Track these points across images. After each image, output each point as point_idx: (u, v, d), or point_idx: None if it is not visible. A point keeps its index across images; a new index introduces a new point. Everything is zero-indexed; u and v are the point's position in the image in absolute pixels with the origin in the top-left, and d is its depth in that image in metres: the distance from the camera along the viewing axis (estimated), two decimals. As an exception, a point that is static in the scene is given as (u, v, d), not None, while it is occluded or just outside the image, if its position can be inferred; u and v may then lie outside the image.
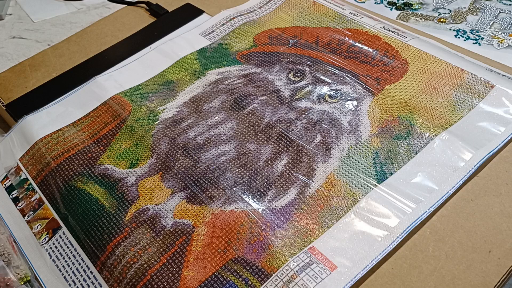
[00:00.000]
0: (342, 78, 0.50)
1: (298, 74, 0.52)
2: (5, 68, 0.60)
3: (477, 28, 0.61)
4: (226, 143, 0.45)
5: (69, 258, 0.40)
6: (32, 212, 0.44)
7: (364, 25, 0.57)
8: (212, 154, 0.45)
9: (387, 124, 0.45)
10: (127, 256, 0.38)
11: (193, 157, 0.44)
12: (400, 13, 0.65)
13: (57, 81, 0.57)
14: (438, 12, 0.64)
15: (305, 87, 0.50)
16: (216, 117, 0.48)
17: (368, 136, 0.44)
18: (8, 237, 0.43)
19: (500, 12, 0.63)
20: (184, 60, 0.56)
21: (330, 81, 0.50)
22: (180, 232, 0.39)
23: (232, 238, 0.38)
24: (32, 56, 0.62)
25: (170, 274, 0.36)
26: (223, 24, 0.61)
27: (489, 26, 0.61)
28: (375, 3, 0.67)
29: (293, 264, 0.35)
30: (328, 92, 0.49)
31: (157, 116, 0.49)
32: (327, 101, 0.48)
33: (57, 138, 0.49)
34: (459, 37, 0.60)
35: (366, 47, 0.54)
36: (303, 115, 0.47)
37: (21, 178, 0.47)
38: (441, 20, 0.63)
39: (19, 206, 0.46)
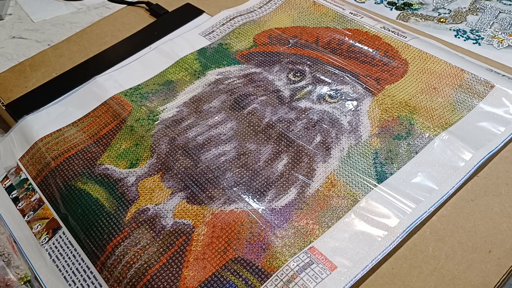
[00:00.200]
0: (342, 78, 0.50)
1: (298, 74, 0.52)
2: (5, 68, 0.60)
3: (477, 28, 0.61)
4: (226, 143, 0.45)
5: (69, 258, 0.40)
6: (32, 212, 0.44)
7: (364, 25, 0.57)
8: (212, 154, 0.45)
9: (387, 124, 0.45)
10: (127, 256, 0.38)
11: (193, 157, 0.44)
12: (400, 13, 0.65)
13: (57, 81, 0.57)
14: (438, 12, 0.64)
15: (305, 87, 0.50)
16: (216, 117, 0.48)
17: (368, 136, 0.44)
18: (8, 237, 0.43)
19: (500, 12, 0.63)
20: (184, 60, 0.56)
21: (330, 81, 0.50)
22: (180, 232, 0.39)
23: (232, 238, 0.38)
24: (32, 56, 0.62)
25: (170, 274, 0.36)
26: (223, 24, 0.61)
27: (489, 26, 0.61)
28: (375, 3, 0.67)
29: (293, 264, 0.35)
30: (328, 92, 0.49)
31: (157, 116, 0.49)
32: (327, 101, 0.48)
33: (57, 138, 0.49)
34: (459, 37, 0.60)
35: (366, 47, 0.54)
36: (303, 115, 0.47)
37: (21, 178, 0.47)
38: (441, 20, 0.63)
39: (19, 206, 0.46)
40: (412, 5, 0.66)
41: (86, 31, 0.65)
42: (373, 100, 0.48)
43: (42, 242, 0.42)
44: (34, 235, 0.43)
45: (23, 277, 0.40)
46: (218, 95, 0.51)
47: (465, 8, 0.65)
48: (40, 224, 0.43)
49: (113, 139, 0.48)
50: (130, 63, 0.57)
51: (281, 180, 0.42)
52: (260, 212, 0.39)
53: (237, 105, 0.49)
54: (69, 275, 0.39)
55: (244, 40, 0.58)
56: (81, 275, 0.39)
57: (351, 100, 0.48)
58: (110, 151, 0.47)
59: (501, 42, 0.58)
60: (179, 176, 0.43)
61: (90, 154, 0.47)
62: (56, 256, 0.41)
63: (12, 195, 0.47)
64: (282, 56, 0.54)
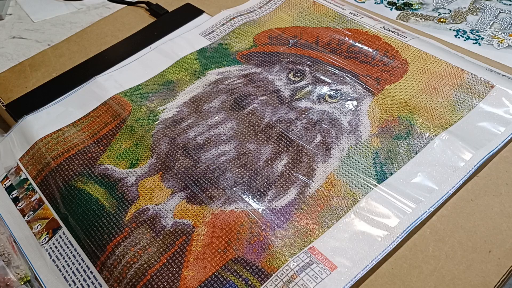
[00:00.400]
0: (342, 78, 0.50)
1: (298, 74, 0.52)
2: (5, 68, 0.60)
3: (477, 28, 0.61)
4: (226, 143, 0.45)
5: (69, 258, 0.40)
6: (32, 212, 0.44)
7: (364, 25, 0.57)
8: (212, 154, 0.45)
9: (387, 124, 0.45)
10: (127, 256, 0.38)
11: (193, 157, 0.44)
12: (400, 13, 0.65)
13: (57, 81, 0.57)
14: (438, 12, 0.64)
15: (305, 87, 0.50)
16: (216, 117, 0.48)
17: (368, 136, 0.44)
18: (8, 237, 0.43)
19: (500, 12, 0.63)
20: (184, 60, 0.56)
21: (330, 81, 0.50)
22: (180, 232, 0.39)
23: (232, 238, 0.38)
24: (32, 56, 0.62)
25: (170, 274, 0.36)
26: (223, 24, 0.61)
27: (489, 26, 0.61)
28: (375, 3, 0.67)
29: (293, 264, 0.35)
30: (328, 92, 0.49)
31: (157, 116, 0.49)
32: (327, 101, 0.48)
33: (57, 138, 0.49)
34: (459, 37, 0.60)
35: (366, 47, 0.54)
36: (303, 115, 0.47)
37: (21, 178, 0.47)
38: (441, 20, 0.63)
39: (19, 206, 0.46)
40: (412, 5, 0.66)
41: (86, 31, 0.65)
42: (373, 100, 0.48)
43: (42, 242, 0.42)
44: (34, 235, 0.43)
45: (23, 277, 0.40)
46: (218, 95, 0.51)
47: (465, 8, 0.65)
48: (40, 224, 0.43)
49: (113, 139, 0.48)
50: (130, 63, 0.57)
51: (281, 180, 0.42)
52: (260, 212, 0.39)
53: (237, 105, 0.49)
54: (69, 275, 0.39)
55: (244, 40, 0.58)
56: (81, 275, 0.39)
57: (351, 100, 0.48)
58: (110, 151, 0.47)
59: (501, 42, 0.58)
60: (179, 176, 0.43)
61: (90, 154, 0.47)
62: (56, 256, 0.41)
63: (12, 195, 0.47)
64: (282, 56, 0.54)
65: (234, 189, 0.41)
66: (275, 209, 0.40)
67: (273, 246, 0.37)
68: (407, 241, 0.37)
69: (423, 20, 0.63)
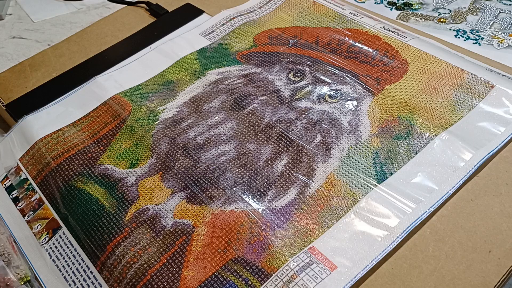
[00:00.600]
0: (342, 78, 0.50)
1: (298, 74, 0.52)
2: (5, 68, 0.60)
3: (477, 28, 0.61)
4: (226, 143, 0.45)
5: (69, 258, 0.40)
6: (32, 212, 0.44)
7: (364, 25, 0.57)
8: (212, 154, 0.45)
9: (387, 124, 0.45)
10: (127, 256, 0.38)
11: (193, 157, 0.44)
12: (400, 13, 0.65)
13: (57, 81, 0.57)
14: (438, 12, 0.64)
15: (305, 87, 0.50)
16: (216, 117, 0.48)
17: (368, 136, 0.44)
18: (8, 237, 0.43)
19: (500, 12, 0.63)
20: (184, 60, 0.56)
21: (330, 81, 0.50)
22: (180, 232, 0.39)
23: (232, 238, 0.38)
24: (32, 56, 0.62)
25: (170, 274, 0.36)
26: (223, 24, 0.61)
27: (489, 26, 0.61)
28: (375, 3, 0.67)
29: (293, 264, 0.35)
30: (328, 92, 0.49)
31: (157, 116, 0.49)
32: (327, 101, 0.48)
33: (57, 138, 0.49)
34: (459, 37, 0.60)
35: (366, 47, 0.54)
36: (303, 115, 0.47)
37: (21, 178, 0.47)
38: (441, 20, 0.63)
39: (19, 206, 0.46)
40: (412, 5, 0.66)
41: (86, 31, 0.65)
42: (373, 100, 0.48)
43: (42, 242, 0.42)
44: (34, 235, 0.43)
45: (23, 277, 0.40)
46: (218, 95, 0.51)
47: (465, 8, 0.65)
48: (40, 224, 0.43)
49: (113, 139, 0.48)
50: (130, 63, 0.57)
51: (281, 180, 0.42)
52: (260, 212, 0.39)
53: (237, 105, 0.49)
54: (69, 275, 0.39)
55: (244, 40, 0.58)
56: (81, 275, 0.39)
57: (351, 100, 0.48)
58: (110, 151, 0.47)
59: (501, 42, 0.58)
60: (179, 176, 0.43)
61: (90, 154, 0.47)
62: (56, 256, 0.41)
63: (12, 195, 0.47)
64: (282, 56, 0.54)
65: (234, 189, 0.41)
66: (275, 209, 0.40)
67: (273, 246, 0.37)
68: (407, 241, 0.37)
69: (423, 20, 0.63)
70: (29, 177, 0.47)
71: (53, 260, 0.41)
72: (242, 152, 0.44)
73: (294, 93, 0.50)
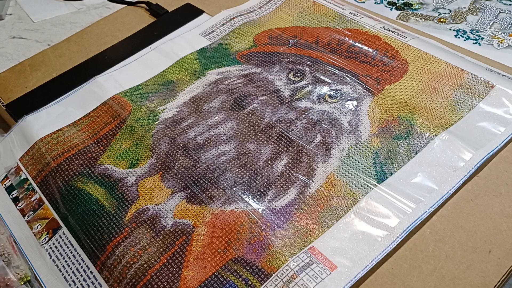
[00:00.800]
0: (342, 78, 0.50)
1: (298, 74, 0.52)
2: (5, 68, 0.60)
3: (477, 28, 0.61)
4: (226, 143, 0.45)
5: (69, 258, 0.40)
6: (32, 212, 0.44)
7: (364, 25, 0.57)
8: (212, 154, 0.45)
9: (387, 124, 0.45)
10: (127, 256, 0.38)
11: (193, 157, 0.44)
12: (400, 13, 0.65)
13: (57, 81, 0.57)
14: (438, 12, 0.64)
15: (305, 87, 0.50)
16: (216, 117, 0.48)
17: (368, 136, 0.44)
18: (8, 237, 0.43)
19: (500, 12, 0.63)
20: (184, 60, 0.56)
21: (330, 81, 0.50)
22: (180, 232, 0.39)
23: (232, 238, 0.38)
24: (32, 56, 0.62)
25: (170, 274, 0.36)
26: (223, 24, 0.61)
27: (489, 26, 0.61)
28: (375, 3, 0.67)
29: (293, 264, 0.35)
30: (328, 92, 0.49)
31: (157, 116, 0.49)
32: (327, 101, 0.48)
33: (57, 138, 0.49)
34: (459, 37, 0.60)
35: (366, 47, 0.54)
36: (303, 115, 0.47)
37: (21, 178, 0.47)
38: (441, 20, 0.63)
39: (19, 206, 0.46)
40: (412, 5, 0.66)
41: (86, 31, 0.65)
42: (373, 100, 0.48)
43: (42, 242, 0.42)
44: (34, 235, 0.43)
45: (23, 277, 0.40)
46: (218, 95, 0.51)
47: (465, 8, 0.65)
48: (40, 224, 0.43)
49: (113, 139, 0.48)
50: (130, 63, 0.57)
51: (281, 180, 0.42)
52: (260, 212, 0.39)
53: (237, 105, 0.49)
54: (69, 275, 0.39)
55: (244, 40, 0.58)
56: (81, 275, 0.39)
57: (351, 100, 0.48)
58: (110, 151, 0.47)
59: (501, 42, 0.58)
60: (179, 176, 0.43)
61: (90, 154, 0.47)
62: (56, 256, 0.41)
63: (12, 195, 0.47)
64: (282, 56, 0.54)
65: (234, 189, 0.41)
66: (275, 209, 0.40)
67: (273, 246, 0.37)
68: (407, 241, 0.37)
69: (423, 20, 0.63)
70: (29, 177, 0.47)
71: (53, 260, 0.41)
72: (242, 152, 0.44)
73: (294, 93, 0.50)
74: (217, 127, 0.47)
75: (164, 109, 0.50)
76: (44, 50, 0.62)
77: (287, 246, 0.37)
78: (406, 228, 0.37)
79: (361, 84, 0.49)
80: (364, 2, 0.67)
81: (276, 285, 0.34)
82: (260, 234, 0.38)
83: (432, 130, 0.44)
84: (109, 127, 0.49)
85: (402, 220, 0.37)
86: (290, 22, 0.60)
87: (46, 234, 0.42)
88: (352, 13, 0.59)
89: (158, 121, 0.49)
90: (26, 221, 0.44)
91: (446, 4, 0.66)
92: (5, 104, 0.55)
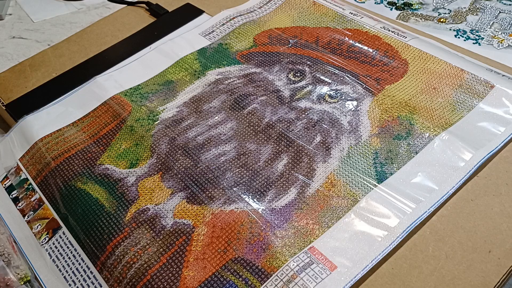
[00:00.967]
0: (342, 78, 0.50)
1: (298, 74, 0.52)
2: (5, 68, 0.60)
3: (477, 28, 0.61)
4: (226, 143, 0.45)
5: (69, 258, 0.40)
6: (32, 212, 0.44)
7: (364, 25, 0.57)
8: (212, 154, 0.45)
9: (387, 124, 0.45)
10: (127, 256, 0.38)
11: (193, 157, 0.44)
12: (400, 13, 0.65)
13: (57, 81, 0.57)
14: (438, 12, 0.64)
15: (305, 87, 0.50)
16: (216, 117, 0.48)
17: (368, 136, 0.44)
18: (8, 237, 0.43)
19: (500, 12, 0.63)
20: (184, 60, 0.56)
21: (330, 81, 0.50)
22: (180, 232, 0.39)
23: (232, 238, 0.38)
24: (32, 56, 0.62)
25: (170, 274, 0.36)
26: (223, 24, 0.61)
27: (489, 26, 0.61)
28: (375, 3, 0.67)
29: (293, 264, 0.35)
30: (328, 92, 0.49)
31: (157, 116, 0.49)
32: (327, 101, 0.48)
33: (57, 138, 0.49)
34: (459, 37, 0.60)
35: (366, 47, 0.54)
36: (303, 115, 0.47)
37: (21, 178, 0.47)
38: (441, 20, 0.63)
39: (19, 206, 0.46)
40: (412, 5, 0.66)
41: (86, 31, 0.65)
42: (373, 100, 0.48)
43: (42, 242, 0.42)
44: (34, 235, 0.43)
45: (23, 277, 0.40)
46: (218, 95, 0.51)
47: (465, 8, 0.65)
48: (40, 224, 0.43)
49: (113, 139, 0.48)
50: (130, 63, 0.57)
51: (281, 180, 0.42)
52: (260, 212, 0.39)
53: (237, 105, 0.49)
54: (69, 275, 0.39)
55: (244, 40, 0.58)
56: (81, 275, 0.39)
57: (351, 100, 0.48)
58: (110, 151, 0.47)
59: (501, 42, 0.58)
60: (179, 176, 0.43)
61: (90, 154, 0.47)
62: (56, 256, 0.41)
63: (12, 195, 0.47)
64: (282, 56, 0.54)
65: (234, 189, 0.41)
66: (275, 209, 0.40)
67: (273, 246, 0.37)
68: (407, 241, 0.37)
69: (423, 20, 0.63)
70: (29, 177, 0.47)
71: (53, 260, 0.41)
72: (242, 152, 0.44)
73: (294, 93, 0.50)
74: (217, 127, 0.47)
75: (164, 109, 0.50)
76: (44, 50, 0.62)
77: (287, 246, 0.37)
78: (406, 228, 0.37)
79: (361, 84, 0.49)
80: (364, 2, 0.67)
81: (276, 285, 0.34)
82: (260, 234, 0.38)
83: (432, 130, 0.44)
84: (109, 127, 0.49)
85: (402, 220, 0.37)
86: (290, 22, 0.60)
87: (46, 234, 0.42)
88: (352, 13, 0.59)
89: (158, 121, 0.49)
90: (26, 221, 0.44)
91: (446, 4, 0.66)
92: (5, 104, 0.55)
